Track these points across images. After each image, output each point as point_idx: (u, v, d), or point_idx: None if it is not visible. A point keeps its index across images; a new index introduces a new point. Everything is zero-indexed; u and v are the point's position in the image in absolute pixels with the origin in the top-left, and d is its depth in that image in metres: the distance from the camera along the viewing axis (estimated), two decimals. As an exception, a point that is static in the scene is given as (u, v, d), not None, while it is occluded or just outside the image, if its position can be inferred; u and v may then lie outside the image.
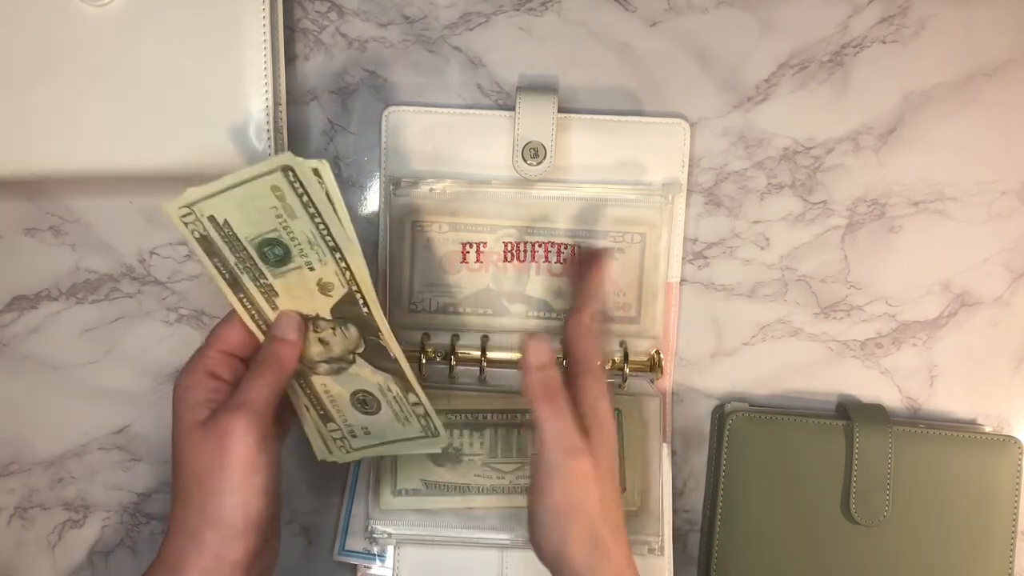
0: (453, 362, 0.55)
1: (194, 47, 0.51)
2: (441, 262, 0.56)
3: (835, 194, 0.57)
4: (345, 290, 0.44)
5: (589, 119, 0.55)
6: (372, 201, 0.57)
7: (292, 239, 0.43)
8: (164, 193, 0.56)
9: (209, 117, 0.51)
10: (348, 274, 0.43)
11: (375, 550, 0.56)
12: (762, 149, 0.57)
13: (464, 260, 0.56)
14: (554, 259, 0.56)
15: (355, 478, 0.57)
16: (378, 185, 0.56)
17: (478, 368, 0.55)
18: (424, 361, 0.55)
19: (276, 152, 0.52)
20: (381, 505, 0.55)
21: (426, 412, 0.48)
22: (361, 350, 0.46)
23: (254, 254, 0.43)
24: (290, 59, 0.56)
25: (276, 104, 0.52)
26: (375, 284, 0.46)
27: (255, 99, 0.51)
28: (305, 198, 0.41)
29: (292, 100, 0.56)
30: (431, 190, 0.55)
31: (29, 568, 0.58)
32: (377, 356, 0.46)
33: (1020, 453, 0.54)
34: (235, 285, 0.44)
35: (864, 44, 0.56)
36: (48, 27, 0.50)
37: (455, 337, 0.56)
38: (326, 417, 0.49)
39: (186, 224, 0.43)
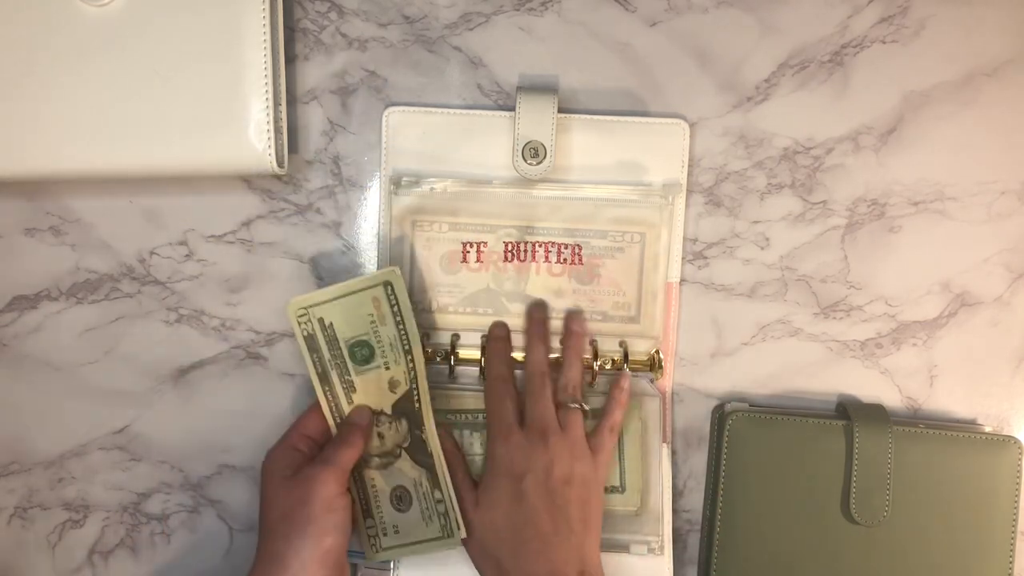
0: (453, 362, 0.55)
1: (194, 47, 0.51)
2: (441, 262, 0.56)
3: (835, 194, 0.57)
4: (407, 388, 0.51)
5: (589, 119, 0.55)
6: (372, 201, 0.57)
7: (378, 342, 0.51)
8: (164, 193, 0.57)
9: (209, 117, 0.51)
10: (412, 373, 0.51)
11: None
12: (762, 149, 0.57)
13: (464, 260, 0.56)
14: (554, 259, 0.56)
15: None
16: (378, 185, 0.56)
17: (478, 368, 0.55)
18: (424, 361, 0.55)
19: (278, 154, 0.52)
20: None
21: (446, 510, 0.52)
22: (407, 444, 0.52)
23: (345, 353, 0.51)
24: (290, 59, 0.56)
25: (276, 104, 0.52)
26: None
27: (255, 99, 0.51)
28: (395, 307, 0.50)
29: (292, 100, 0.56)
30: (431, 190, 0.55)
31: (29, 568, 0.58)
32: (417, 450, 0.52)
33: (1020, 453, 0.54)
34: (324, 379, 0.52)
35: (864, 44, 0.56)
36: (48, 27, 0.50)
37: (455, 337, 0.56)
38: (367, 512, 0.53)
39: (299, 323, 0.51)
